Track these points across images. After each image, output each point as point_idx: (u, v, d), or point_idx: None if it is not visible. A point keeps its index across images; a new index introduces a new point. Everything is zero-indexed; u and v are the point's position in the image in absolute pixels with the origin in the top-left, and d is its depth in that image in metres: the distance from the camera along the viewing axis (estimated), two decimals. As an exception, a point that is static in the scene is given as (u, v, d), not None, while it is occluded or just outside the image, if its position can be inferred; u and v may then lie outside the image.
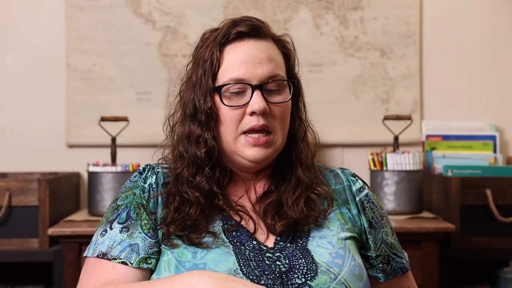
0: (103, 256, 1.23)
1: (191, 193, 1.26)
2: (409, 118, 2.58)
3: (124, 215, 1.27)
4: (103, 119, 2.55)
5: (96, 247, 1.25)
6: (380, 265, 1.33)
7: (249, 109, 1.25)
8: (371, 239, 1.32)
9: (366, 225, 1.32)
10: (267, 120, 1.26)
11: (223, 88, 1.27)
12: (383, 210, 1.37)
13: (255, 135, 1.26)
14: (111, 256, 1.22)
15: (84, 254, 1.27)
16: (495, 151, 2.70)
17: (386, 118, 2.59)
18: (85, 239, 2.19)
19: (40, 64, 2.80)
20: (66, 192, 2.54)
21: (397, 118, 2.58)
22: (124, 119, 2.59)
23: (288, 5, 2.82)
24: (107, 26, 2.80)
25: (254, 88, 1.25)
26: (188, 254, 1.21)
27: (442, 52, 2.86)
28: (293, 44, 1.38)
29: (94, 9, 2.80)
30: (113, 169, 2.42)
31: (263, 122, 1.25)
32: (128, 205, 1.28)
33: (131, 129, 2.66)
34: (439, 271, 2.25)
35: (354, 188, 1.36)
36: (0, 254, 2.26)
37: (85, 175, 2.75)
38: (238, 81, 1.26)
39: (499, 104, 2.86)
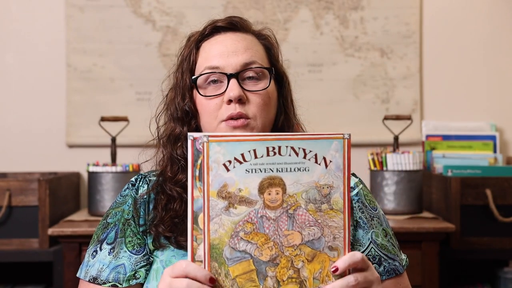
0: (94, 280, 1.24)
1: (174, 189, 1.26)
2: (409, 118, 2.58)
3: (112, 234, 1.27)
4: (103, 119, 2.55)
5: (87, 269, 1.26)
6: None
7: (225, 97, 1.24)
8: (358, 239, 1.30)
9: (353, 225, 1.30)
10: (244, 108, 1.23)
11: (200, 81, 1.27)
12: (376, 211, 1.33)
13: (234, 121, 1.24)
14: (101, 280, 1.23)
15: (77, 275, 1.28)
16: (495, 151, 2.70)
17: (386, 118, 2.59)
18: (85, 239, 2.19)
19: (40, 64, 2.80)
20: (66, 192, 2.54)
21: (397, 118, 2.58)
22: (124, 119, 2.59)
23: (288, 5, 2.82)
24: (107, 26, 2.80)
25: (229, 76, 1.24)
26: (175, 262, 1.21)
27: (442, 52, 2.86)
28: (275, 38, 1.36)
29: (94, 9, 2.80)
30: (113, 169, 2.42)
31: (240, 110, 1.23)
32: (117, 223, 1.28)
33: (131, 129, 2.66)
34: (439, 271, 2.25)
35: None
36: (0, 254, 2.26)
37: (85, 175, 2.75)
38: (213, 70, 1.25)
39: (499, 104, 2.86)
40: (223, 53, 1.26)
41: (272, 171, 0.99)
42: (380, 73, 2.83)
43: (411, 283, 1.34)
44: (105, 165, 2.45)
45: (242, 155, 0.98)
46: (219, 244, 0.98)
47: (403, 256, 1.34)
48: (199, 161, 1.00)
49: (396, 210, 2.41)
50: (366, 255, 1.28)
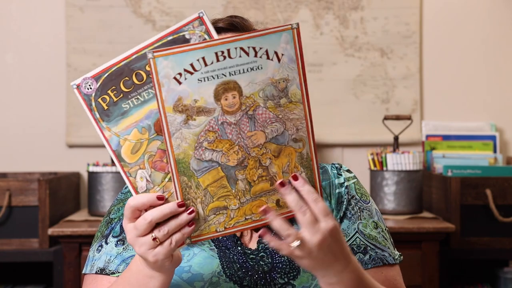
0: (101, 271, 1.23)
1: None
2: (409, 118, 2.58)
3: (118, 228, 1.26)
4: (103, 119, 2.55)
5: (93, 263, 1.25)
6: (355, 255, 1.26)
7: None
8: (343, 229, 1.27)
9: (339, 217, 1.29)
10: None
11: None
12: (368, 204, 1.32)
13: None
14: (109, 271, 1.22)
15: (83, 271, 1.27)
16: (495, 151, 2.70)
17: (386, 118, 2.59)
18: (85, 239, 2.19)
19: (40, 64, 2.80)
20: (66, 192, 2.54)
21: (397, 118, 2.58)
22: (124, 119, 2.59)
23: (288, 5, 2.82)
24: (107, 26, 2.80)
25: None
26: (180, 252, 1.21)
27: (442, 52, 2.86)
28: None
29: (94, 9, 2.80)
30: (113, 169, 2.42)
31: None
32: (121, 217, 1.27)
33: (131, 129, 2.66)
34: (439, 271, 2.25)
35: (336, 182, 1.33)
36: (0, 254, 2.26)
37: (85, 175, 2.75)
38: None
39: (499, 104, 2.86)
40: None
41: (225, 75, 0.97)
42: (380, 73, 2.83)
43: (411, 283, 1.32)
44: (105, 165, 2.45)
45: (192, 65, 0.96)
46: (185, 158, 0.98)
47: (397, 252, 1.32)
48: (93, 104, 1.01)
49: (396, 210, 2.41)
50: (350, 244, 1.27)
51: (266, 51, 0.98)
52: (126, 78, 1.01)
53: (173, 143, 0.97)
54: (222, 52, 0.96)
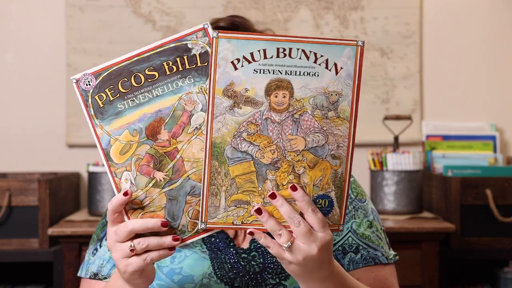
0: (95, 276, 1.24)
1: None
2: (409, 118, 2.58)
3: None
4: (103, 119, 2.55)
5: (88, 267, 1.26)
6: (341, 254, 1.27)
7: None
8: None
9: None
10: None
11: None
12: (363, 203, 1.32)
13: None
14: (102, 275, 1.23)
15: (78, 274, 1.29)
16: (495, 151, 2.70)
17: (386, 118, 2.59)
18: (85, 239, 2.19)
19: (40, 64, 2.80)
20: (66, 192, 2.54)
21: (397, 118, 2.58)
22: (124, 119, 2.59)
23: (288, 5, 2.82)
24: (107, 26, 2.80)
25: None
26: (166, 259, 1.21)
27: (442, 52, 2.86)
28: None
29: (94, 9, 2.80)
30: (113, 169, 2.42)
31: None
32: None
33: (131, 129, 2.66)
34: (439, 271, 2.25)
35: None
36: (0, 254, 2.26)
37: (85, 175, 2.75)
38: None
39: (499, 104, 2.86)
40: None
41: (281, 73, 0.97)
42: (380, 73, 2.83)
43: (411, 283, 1.31)
44: (105, 165, 2.44)
45: (252, 54, 0.96)
46: (221, 143, 0.98)
47: (391, 252, 1.31)
48: (90, 100, 1.01)
49: (396, 210, 2.41)
50: (342, 244, 1.27)
51: (327, 60, 0.97)
52: (125, 79, 1.01)
53: (214, 126, 0.97)
54: (284, 50, 0.96)
